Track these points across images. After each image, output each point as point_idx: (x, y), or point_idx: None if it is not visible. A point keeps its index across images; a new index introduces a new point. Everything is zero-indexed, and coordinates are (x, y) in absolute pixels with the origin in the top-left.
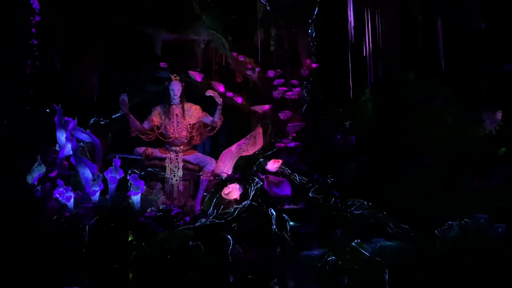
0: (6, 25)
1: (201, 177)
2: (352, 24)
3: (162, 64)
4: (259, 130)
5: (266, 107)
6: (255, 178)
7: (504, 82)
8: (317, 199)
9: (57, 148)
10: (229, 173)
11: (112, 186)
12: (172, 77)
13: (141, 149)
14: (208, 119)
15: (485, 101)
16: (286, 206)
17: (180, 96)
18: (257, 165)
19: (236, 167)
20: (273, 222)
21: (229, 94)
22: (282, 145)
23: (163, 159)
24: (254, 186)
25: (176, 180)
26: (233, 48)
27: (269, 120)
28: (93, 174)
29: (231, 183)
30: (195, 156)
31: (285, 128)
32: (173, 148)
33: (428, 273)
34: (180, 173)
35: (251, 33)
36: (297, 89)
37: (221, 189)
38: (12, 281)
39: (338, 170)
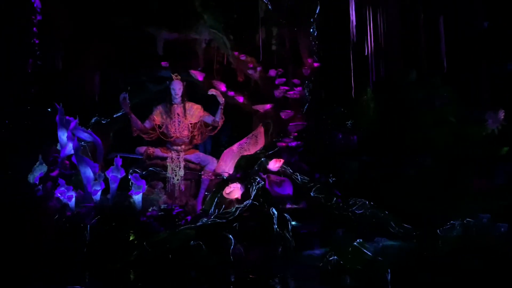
0: (7, 24)
1: (203, 176)
2: (354, 23)
3: (163, 64)
4: (261, 129)
5: (268, 106)
6: (257, 177)
7: (506, 82)
8: (318, 199)
9: (58, 147)
10: (231, 172)
11: (113, 186)
12: (173, 76)
13: (142, 149)
14: (209, 118)
15: (487, 100)
16: (288, 206)
17: (182, 96)
18: (259, 164)
19: (237, 167)
20: (275, 221)
21: (231, 93)
22: (284, 144)
23: (165, 158)
24: (255, 186)
25: (178, 180)
26: (234, 47)
27: (270, 119)
28: (94, 173)
29: (232, 182)
30: (197, 156)
31: (286, 128)
32: (175, 147)
33: (431, 272)
34: (182, 172)
35: (252, 32)
36: (299, 88)
37: (223, 188)
38: (13, 280)
39: (340, 170)
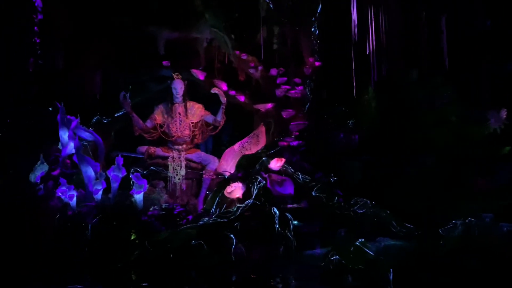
0: (8, 23)
1: (204, 175)
2: (356, 22)
3: (164, 63)
4: (262, 128)
5: (269, 105)
6: (258, 177)
7: (508, 81)
8: (320, 198)
9: (59, 146)
10: (232, 171)
11: (114, 185)
12: (174, 75)
13: (143, 148)
14: (210, 118)
15: (489, 100)
16: (289, 205)
17: (183, 95)
18: (260, 163)
19: (238, 166)
20: (276, 221)
21: (232, 92)
22: (285, 143)
23: (166, 157)
24: (257, 185)
25: (179, 179)
26: (235, 47)
27: (272, 118)
28: (95, 172)
29: (234, 182)
30: (198, 155)
31: (288, 127)
32: (176, 146)
33: (433, 272)
34: (183, 171)
35: (254, 31)
36: (300, 87)
37: (224, 188)
38: (14, 280)
39: (341, 169)
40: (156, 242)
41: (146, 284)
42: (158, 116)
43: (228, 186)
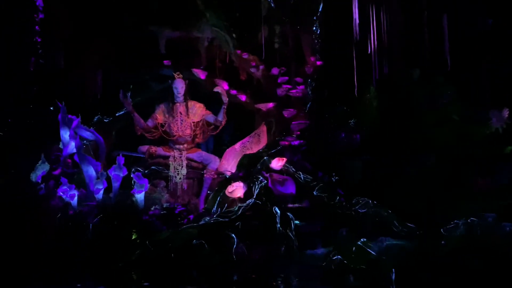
0: (10, 22)
1: (205, 175)
2: (357, 21)
3: (165, 62)
4: (263, 128)
5: (270, 105)
6: (259, 176)
7: (510, 80)
8: (321, 198)
9: (60, 146)
10: (233, 171)
11: (115, 184)
12: (175, 75)
13: (144, 147)
14: (211, 117)
15: (491, 99)
16: (291, 205)
17: (184, 94)
18: (261, 163)
19: (240, 165)
20: (278, 220)
21: (233, 92)
22: (286, 143)
23: (167, 157)
24: (258, 185)
25: (180, 178)
26: (237, 46)
27: (273, 118)
28: (96, 172)
29: (235, 181)
30: (199, 154)
31: (289, 126)
32: (177, 146)
33: (435, 272)
34: (184, 171)
35: (255, 31)
36: (301, 86)
37: (225, 187)
38: (15, 279)
39: (343, 168)
40: (157, 242)
41: (147, 283)
42: (159, 115)
43: (229, 186)
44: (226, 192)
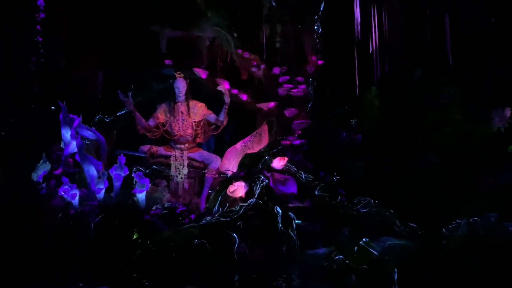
0: (11, 22)
1: (206, 174)
2: (359, 20)
3: (167, 62)
4: (265, 127)
5: (272, 104)
6: (261, 176)
7: None
8: (323, 197)
9: (62, 145)
10: (234, 170)
11: (117, 184)
12: (177, 74)
13: (146, 147)
14: (213, 117)
15: (493, 98)
16: (292, 204)
17: (185, 94)
18: (263, 162)
19: (241, 165)
20: (279, 220)
21: (234, 91)
22: (288, 142)
23: (168, 156)
24: (259, 184)
25: (181, 178)
26: (238, 45)
27: (274, 117)
28: (98, 171)
29: (236, 181)
30: (200, 154)
31: (290, 126)
32: (178, 145)
33: (437, 272)
34: (185, 170)
35: (256, 30)
36: (303, 86)
37: (227, 187)
38: (16, 279)
39: (344, 168)
40: (159, 241)
41: (148, 283)
42: (161, 115)
43: (230, 185)
44: (228, 192)
